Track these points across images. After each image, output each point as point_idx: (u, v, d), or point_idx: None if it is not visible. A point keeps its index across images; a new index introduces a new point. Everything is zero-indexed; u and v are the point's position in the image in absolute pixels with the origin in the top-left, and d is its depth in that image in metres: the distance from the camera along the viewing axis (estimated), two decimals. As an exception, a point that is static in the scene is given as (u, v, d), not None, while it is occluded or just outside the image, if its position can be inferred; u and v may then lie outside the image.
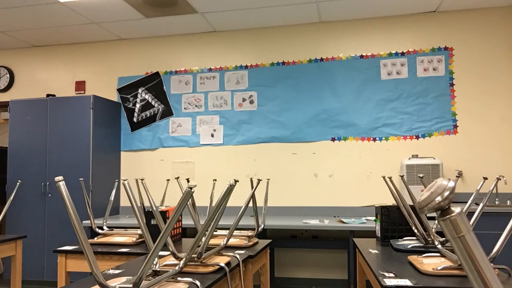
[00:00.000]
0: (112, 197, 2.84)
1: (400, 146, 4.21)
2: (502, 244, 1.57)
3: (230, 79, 4.63)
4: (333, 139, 4.33)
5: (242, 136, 4.53)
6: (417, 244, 2.19)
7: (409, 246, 2.17)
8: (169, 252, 2.17)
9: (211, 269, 1.79)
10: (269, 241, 2.67)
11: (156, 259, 1.66)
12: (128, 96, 4.87)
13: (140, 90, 4.84)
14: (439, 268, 1.67)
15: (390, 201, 4.15)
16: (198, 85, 4.70)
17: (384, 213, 2.47)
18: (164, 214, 2.52)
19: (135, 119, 4.83)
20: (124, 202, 4.79)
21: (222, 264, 1.84)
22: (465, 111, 4.12)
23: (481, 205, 1.88)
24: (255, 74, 4.56)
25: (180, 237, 2.71)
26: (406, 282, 1.54)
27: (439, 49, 4.21)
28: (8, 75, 5.22)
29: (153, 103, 4.79)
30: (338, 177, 4.31)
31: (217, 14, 4.21)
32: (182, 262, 1.64)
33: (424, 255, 1.92)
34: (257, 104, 4.53)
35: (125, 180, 1.61)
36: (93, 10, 4.09)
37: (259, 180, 2.43)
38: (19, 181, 2.96)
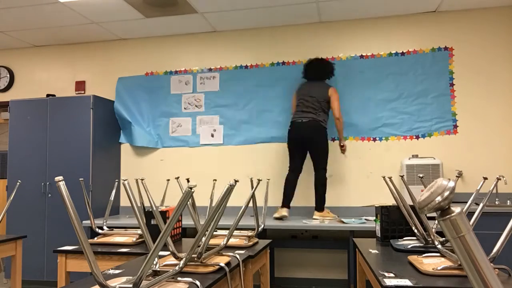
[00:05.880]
0: (112, 197, 2.84)
1: (400, 146, 4.21)
2: (502, 244, 1.57)
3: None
4: (333, 139, 4.33)
5: (242, 136, 4.53)
6: (417, 244, 2.19)
7: (409, 246, 2.17)
8: (169, 252, 2.17)
9: (211, 269, 1.79)
10: (269, 241, 2.66)
11: (156, 259, 1.66)
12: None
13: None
14: (439, 268, 1.67)
15: (390, 201, 4.15)
16: (198, 85, 4.70)
17: (384, 213, 2.47)
18: (164, 214, 2.52)
19: (135, 119, 4.82)
20: (124, 202, 4.78)
21: (222, 264, 1.84)
22: (465, 111, 4.12)
23: (481, 205, 1.88)
24: (255, 74, 4.56)
25: (180, 237, 2.71)
26: (406, 282, 1.54)
27: (439, 49, 4.21)
28: (8, 75, 5.21)
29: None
30: (338, 177, 4.31)
31: (217, 14, 4.21)
32: (182, 262, 1.64)
33: (424, 255, 1.92)
34: (257, 104, 4.52)
35: (125, 180, 1.61)
36: (93, 10, 4.09)
37: (259, 180, 2.43)
38: (19, 181, 2.96)
